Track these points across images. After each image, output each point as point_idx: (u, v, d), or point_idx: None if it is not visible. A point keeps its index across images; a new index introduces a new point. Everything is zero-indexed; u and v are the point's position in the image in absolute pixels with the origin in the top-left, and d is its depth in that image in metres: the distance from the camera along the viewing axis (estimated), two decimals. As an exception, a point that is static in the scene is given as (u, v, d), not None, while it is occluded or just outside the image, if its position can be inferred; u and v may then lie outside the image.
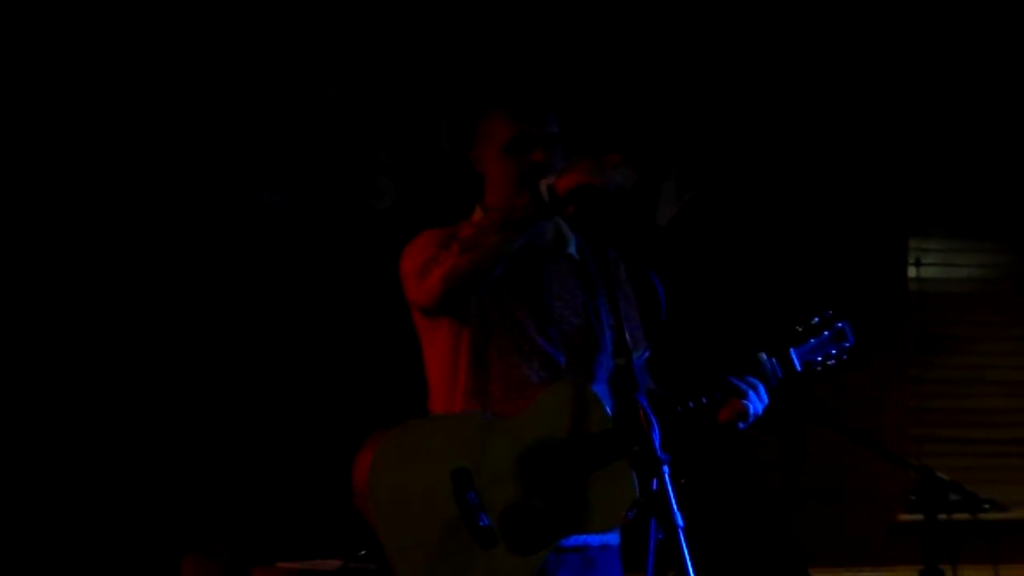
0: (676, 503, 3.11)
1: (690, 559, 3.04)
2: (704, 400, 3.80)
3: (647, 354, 4.05)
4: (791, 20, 6.48)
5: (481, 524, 3.55)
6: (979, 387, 6.75)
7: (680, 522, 3.09)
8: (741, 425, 3.82)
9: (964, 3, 6.59)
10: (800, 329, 3.95)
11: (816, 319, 3.98)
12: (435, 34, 6.13)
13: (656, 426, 3.19)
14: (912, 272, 6.70)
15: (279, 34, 6.00)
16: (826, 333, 3.97)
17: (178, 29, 5.89)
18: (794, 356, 3.91)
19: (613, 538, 3.81)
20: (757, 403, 3.80)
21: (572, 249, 3.92)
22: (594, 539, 3.74)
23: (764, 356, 3.86)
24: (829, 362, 3.97)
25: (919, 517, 5.18)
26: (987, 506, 5.38)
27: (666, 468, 3.17)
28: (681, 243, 6.33)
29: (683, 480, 3.37)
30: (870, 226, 6.58)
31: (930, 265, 6.74)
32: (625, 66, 6.31)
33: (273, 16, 5.99)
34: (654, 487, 3.13)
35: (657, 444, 3.16)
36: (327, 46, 6.05)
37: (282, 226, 5.98)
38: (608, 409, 3.73)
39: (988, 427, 6.74)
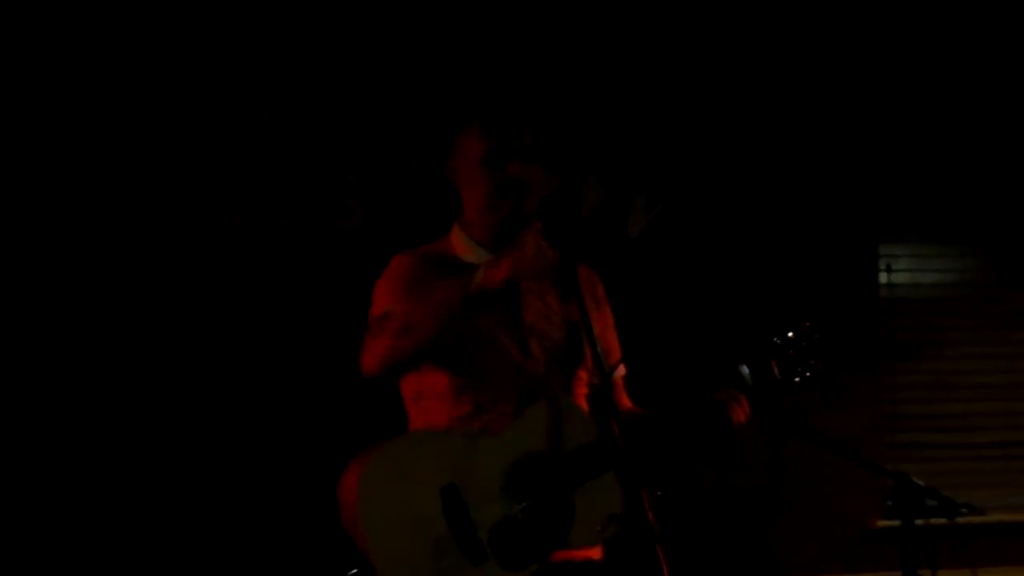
0: (654, 516, 3.12)
1: (669, 570, 3.05)
2: (688, 414, 3.80)
3: (623, 370, 4.06)
4: (756, 31, 6.49)
5: (471, 540, 3.56)
6: (951, 392, 6.77)
7: (658, 534, 3.09)
8: (724, 437, 3.82)
9: (927, 13, 6.60)
10: (778, 341, 3.95)
11: (793, 331, 3.98)
12: (402, 52, 6.13)
13: (631, 442, 3.20)
14: (883, 278, 6.71)
15: (247, 56, 5.99)
16: (804, 344, 3.97)
17: (152, 51, 5.89)
18: (773, 367, 3.92)
19: (596, 553, 3.80)
20: (739, 414, 3.82)
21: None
22: (578, 553, 3.72)
23: (745, 368, 3.87)
24: (807, 373, 3.98)
25: (896, 523, 5.19)
26: (964, 510, 5.39)
27: (645, 482, 3.18)
28: (653, 256, 6.33)
29: (659, 493, 3.38)
30: (841, 233, 6.60)
31: (901, 271, 6.76)
32: (595, 80, 6.31)
33: (242, 37, 5.98)
34: (633, 502, 3.14)
35: (633, 459, 3.17)
36: (294, 67, 6.04)
37: (250, 247, 5.96)
38: (591, 423, 3.73)
39: (961, 431, 6.75)
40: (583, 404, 3.85)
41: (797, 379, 3.96)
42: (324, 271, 5.95)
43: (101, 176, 5.84)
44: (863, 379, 6.56)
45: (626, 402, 4.05)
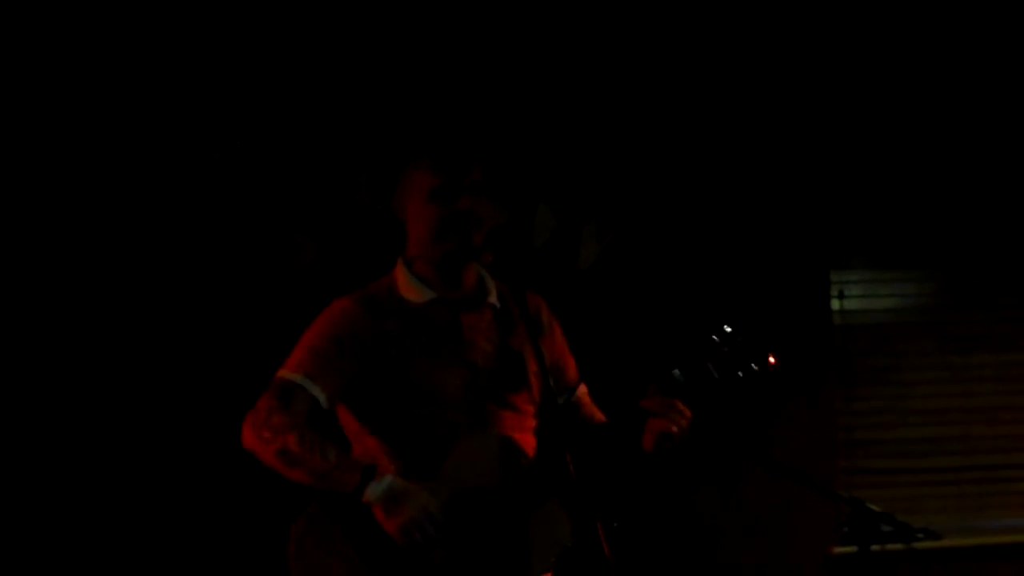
0: (608, 546, 3.11)
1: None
2: (624, 429, 3.77)
3: (584, 388, 4.07)
4: (704, 61, 6.51)
5: None
6: (906, 417, 6.79)
7: (613, 565, 3.09)
8: (669, 447, 3.77)
9: (871, 45, 6.64)
10: (716, 339, 3.87)
11: (731, 328, 3.88)
12: (350, 86, 6.13)
13: (584, 469, 3.19)
14: (836, 304, 6.74)
15: (195, 93, 5.98)
16: (742, 341, 3.86)
17: (103, 87, 5.88)
18: (709, 368, 3.81)
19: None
20: (678, 420, 3.75)
21: (493, 298, 3.92)
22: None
23: (678, 373, 3.78)
24: (754, 367, 3.86)
25: (852, 549, 5.20)
26: (920, 535, 5.39)
27: (598, 511, 3.18)
28: (604, 282, 6.33)
29: (615, 523, 3.37)
30: (792, 260, 6.61)
31: (853, 297, 6.78)
32: (544, 110, 6.32)
33: (189, 74, 5.97)
34: (586, 533, 3.14)
35: (586, 487, 3.17)
36: (242, 104, 6.03)
37: (201, 284, 5.94)
38: (525, 449, 3.74)
39: (917, 456, 6.77)
40: (528, 435, 3.85)
41: (742, 374, 3.83)
42: (282, 306, 5.92)
43: (48, 211, 5.83)
44: (817, 405, 6.56)
45: (600, 417, 4.04)
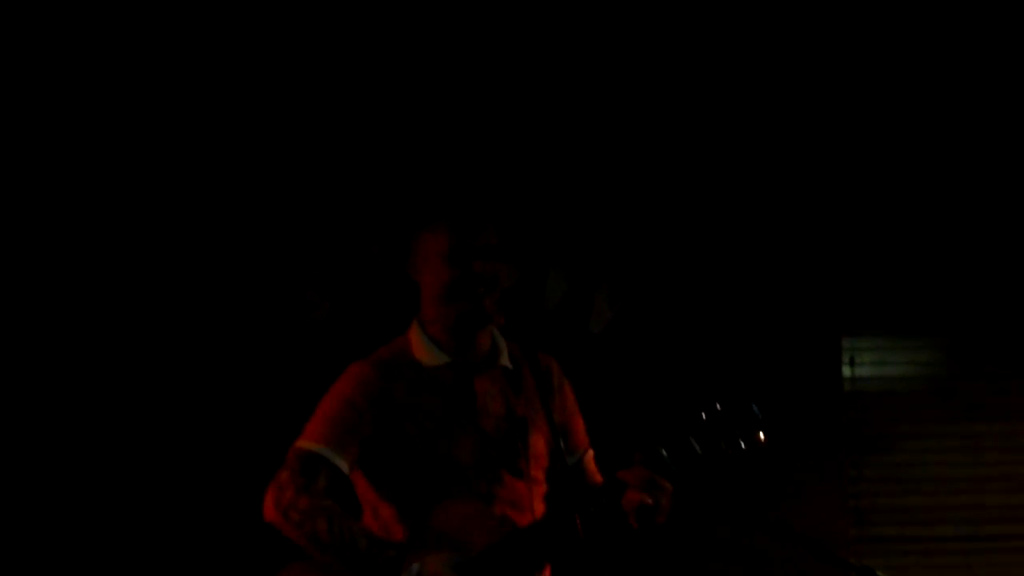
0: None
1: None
2: (602, 503, 3.75)
3: (587, 457, 4.06)
4: (707, 127, 6.53)
5: None
6: (915, 485, 6.76)
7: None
8: (656, 520, 3.75)
9: (888, 107, 6.66)
10: (704, 416, 3.77)
11: (720, 403, 3.80)
12: (365, 148, 6.16)
13: (594, 532, 3.20)
14: (847, 371, 6.73)
15: (205, 151, 6.01)
16: (731, 417, 3.77)
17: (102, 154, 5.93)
18: (692, 443, 3.73)
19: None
20: (657, 495, 3.71)
21: (505, 359, 3.93)
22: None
23: (660, 448, 3.73)
24: (741, 445, 3.76)
25: (862, 618, 5.19)
26: (930, 604, 5.39)
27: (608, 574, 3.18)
28: (614, 348, 6.33)
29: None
30: (804, 326, 6.61)
31: (864, 364, 6.77)
32: (557, 174, 6.35)
33: (197, 129, 6.01)
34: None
35: (595, 550, 3.17)
36: (253, 162, 6.06)
37: (214, 341, 5.96)
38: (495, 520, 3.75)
39: (926, 524, 6.74)
40: (538, 502, 3.85)
41: (730, 451, 3.74)
42: (295, 364, 5.93)
43: (60, 260, 5.87)
44: (827, 472, 6.54)
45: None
